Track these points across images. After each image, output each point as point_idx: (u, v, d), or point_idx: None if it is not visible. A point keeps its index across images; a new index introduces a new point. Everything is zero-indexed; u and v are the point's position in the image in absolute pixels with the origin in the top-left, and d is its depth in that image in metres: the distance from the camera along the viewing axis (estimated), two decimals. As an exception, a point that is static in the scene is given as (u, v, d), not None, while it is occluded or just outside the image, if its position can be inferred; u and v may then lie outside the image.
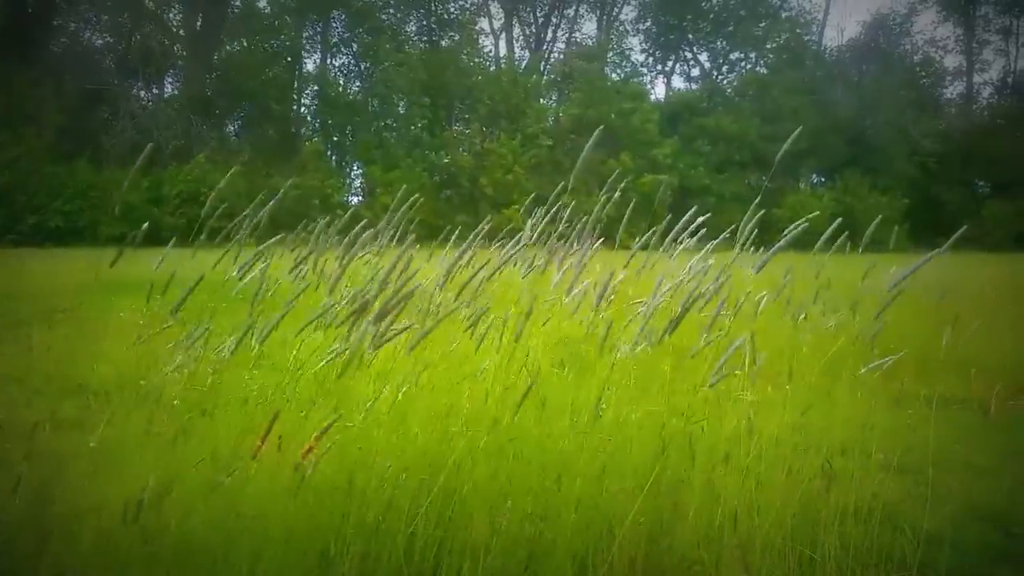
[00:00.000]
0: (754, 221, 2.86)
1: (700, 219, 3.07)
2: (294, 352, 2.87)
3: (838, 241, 3.01)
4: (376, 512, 2.16)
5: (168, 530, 2.02)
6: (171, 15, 41.66)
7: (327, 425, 1.91)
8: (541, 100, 43.43)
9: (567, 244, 3.11)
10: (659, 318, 2.83)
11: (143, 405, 2.60)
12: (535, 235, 3.15)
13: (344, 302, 2.71)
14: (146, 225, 2.57)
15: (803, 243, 3.00)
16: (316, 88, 43.66)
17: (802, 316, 3.42)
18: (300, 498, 2.04)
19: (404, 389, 2.54)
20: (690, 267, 3.03)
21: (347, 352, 2.19)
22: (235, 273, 2.87)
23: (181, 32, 41.05)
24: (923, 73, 47.99)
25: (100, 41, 39.66)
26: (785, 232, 2.61)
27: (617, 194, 2.97)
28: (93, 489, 2.22)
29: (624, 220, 2.89)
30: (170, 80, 41.46)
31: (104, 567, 1.98)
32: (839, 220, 2.87)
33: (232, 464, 2.20)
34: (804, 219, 2.64)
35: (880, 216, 3.46)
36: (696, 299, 2.55)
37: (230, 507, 2.07)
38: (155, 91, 40.92)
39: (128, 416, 2.56)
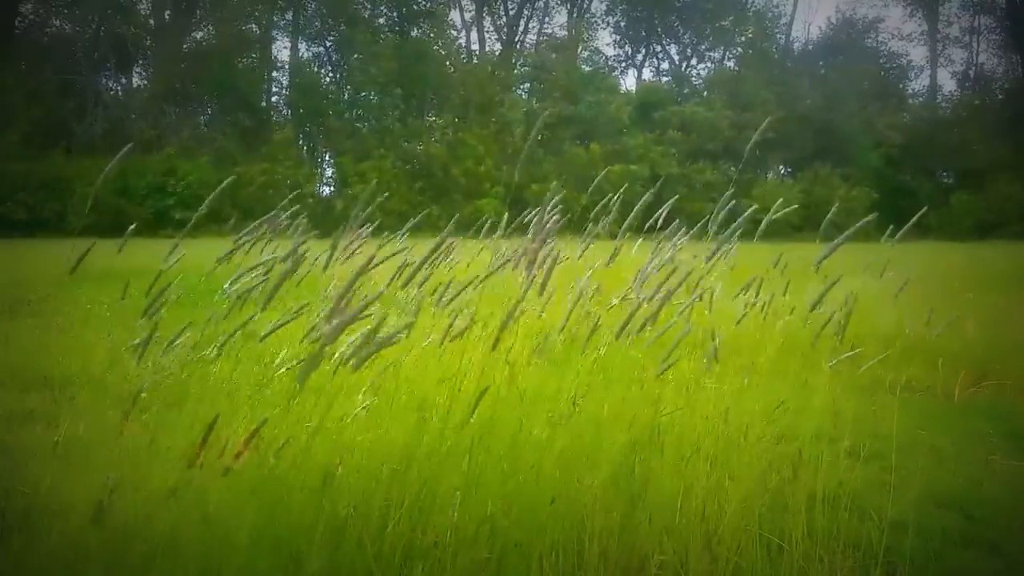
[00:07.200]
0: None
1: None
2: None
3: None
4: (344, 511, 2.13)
5: (130, 529, 1.98)
6: (140, 2, 41.00)
7: (256, 428, 1.89)
8: (514, 91, 43.36)
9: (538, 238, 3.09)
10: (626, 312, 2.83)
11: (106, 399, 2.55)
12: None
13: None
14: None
15: (771, 233, 3.02)
16: (288, 77, 43.23)
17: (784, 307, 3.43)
18: (266, 496, 2.01)
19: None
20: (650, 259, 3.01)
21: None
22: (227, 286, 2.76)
23: (151, 20, 40.38)
24: (887, 66, 48.65)
25: (68, 29, 38.82)
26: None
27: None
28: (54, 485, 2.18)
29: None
30: (139, 70, 40.83)
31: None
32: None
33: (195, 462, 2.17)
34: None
35: (835, 208, 3.46)
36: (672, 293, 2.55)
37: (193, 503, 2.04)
38: (124, 81, 40.25)
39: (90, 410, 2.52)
